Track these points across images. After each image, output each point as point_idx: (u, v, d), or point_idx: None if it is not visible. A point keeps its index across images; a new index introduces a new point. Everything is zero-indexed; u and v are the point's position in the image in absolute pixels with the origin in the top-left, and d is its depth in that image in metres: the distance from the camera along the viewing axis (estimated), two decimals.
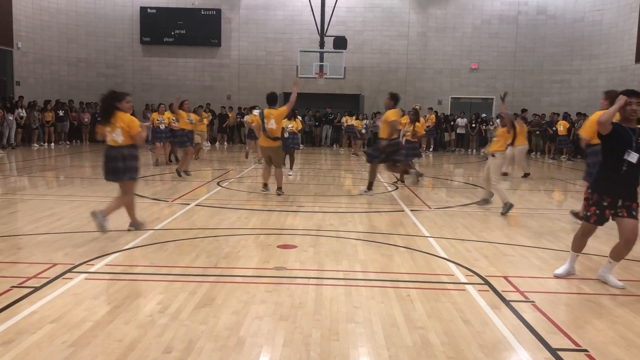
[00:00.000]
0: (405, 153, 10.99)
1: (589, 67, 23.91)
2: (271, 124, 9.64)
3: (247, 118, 18.29)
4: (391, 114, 9.81)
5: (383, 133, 9.92)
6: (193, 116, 13.12)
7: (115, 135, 6.57)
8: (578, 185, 13.00)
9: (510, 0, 24.70)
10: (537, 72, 24.91)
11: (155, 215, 7.90)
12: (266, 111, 9.74)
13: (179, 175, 12.10)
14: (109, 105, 6.65)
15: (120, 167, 6.58)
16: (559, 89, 24.75)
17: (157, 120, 14.17)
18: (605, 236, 7.20)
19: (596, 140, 5.40)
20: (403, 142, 11.21)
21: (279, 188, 9.93)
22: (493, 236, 7.03)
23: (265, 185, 10.15)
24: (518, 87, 25.06)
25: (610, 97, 6.49)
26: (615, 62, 22.79)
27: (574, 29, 24.11)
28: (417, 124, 11.97)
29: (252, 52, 25.17)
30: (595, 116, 6.12)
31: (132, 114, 6.79)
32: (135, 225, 6.84)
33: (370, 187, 10.15)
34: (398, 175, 11.58)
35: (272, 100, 9.86)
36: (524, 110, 20.15)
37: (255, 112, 13.25)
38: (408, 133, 11.69)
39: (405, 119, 12.14)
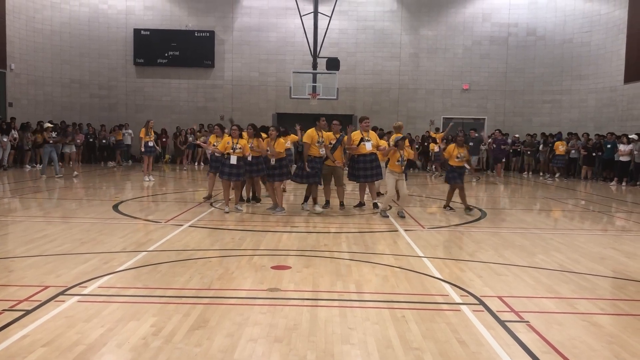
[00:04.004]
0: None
1: (578, 88, 24.20)
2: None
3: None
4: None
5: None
6: None
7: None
8: (570, 205, 13.08)
9: (500, 22, 25.06)
10: (528, 92, 25.19)
11: (148, 236, 7.86)
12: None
13: None
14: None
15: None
16: (549, 109, 25.00)
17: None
18: (597, 255, 7.24)
19: None
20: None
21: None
22: (487, 256, 7.03)
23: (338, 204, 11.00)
24: (509, 107, 25.33)
25: None
26: (604, 83, 23.08)
27: (563, 50, 24.46)
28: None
29: (246, 73, 25.33)
30: None
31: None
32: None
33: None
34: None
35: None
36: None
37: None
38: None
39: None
